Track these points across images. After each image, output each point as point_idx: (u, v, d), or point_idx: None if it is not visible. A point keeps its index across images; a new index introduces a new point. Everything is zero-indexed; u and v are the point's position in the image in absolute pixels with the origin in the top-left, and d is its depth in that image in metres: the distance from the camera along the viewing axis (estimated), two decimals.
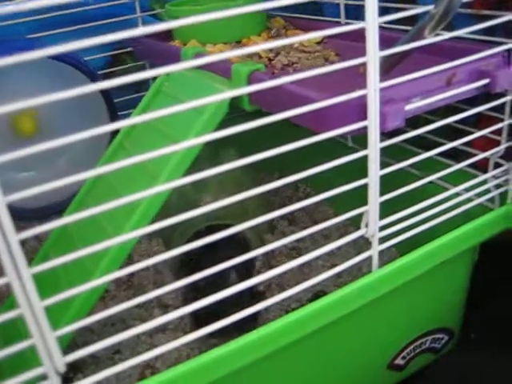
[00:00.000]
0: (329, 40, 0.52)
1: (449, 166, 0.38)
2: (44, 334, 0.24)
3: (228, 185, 0.49)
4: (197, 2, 0.59)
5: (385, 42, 0.29)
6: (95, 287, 0.26)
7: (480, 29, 0.34)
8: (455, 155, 0.43)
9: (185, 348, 0.45)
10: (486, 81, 0.34)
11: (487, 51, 0.35)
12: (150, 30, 0.23)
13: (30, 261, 0.26)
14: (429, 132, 0.34)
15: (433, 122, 0.34)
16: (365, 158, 0.31)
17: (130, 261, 0.55)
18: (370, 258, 0.35)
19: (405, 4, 0.45)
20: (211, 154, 0.46)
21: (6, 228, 0.22)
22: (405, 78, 0.31)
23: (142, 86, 0.67)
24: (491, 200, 0.41)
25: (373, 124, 0.30)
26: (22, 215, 0.59)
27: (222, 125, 0.32)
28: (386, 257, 0.50)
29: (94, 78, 0.54)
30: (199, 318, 0.43)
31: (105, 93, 0.56)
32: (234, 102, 0.37)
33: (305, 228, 0.31)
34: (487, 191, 0.41)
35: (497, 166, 0.41)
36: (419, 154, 0.35)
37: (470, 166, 0.39)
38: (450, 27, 0.33)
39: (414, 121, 0.34)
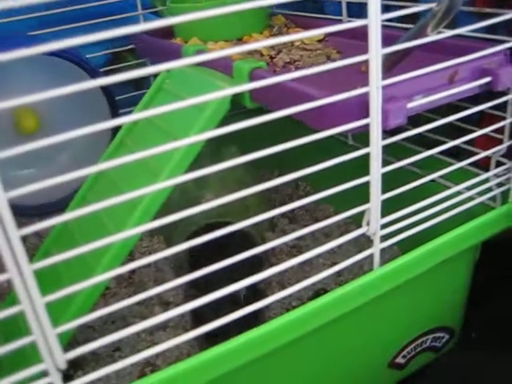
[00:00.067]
0: (330, 38, 0.52)
1: (450, 164, 0.38)
2: (45, 330, 0.24)
3: (229, 182, 0.49)
4: None
5: (387, 40, 0.29)
6: (97, 284, 0.26)
7: (482, 27, 0.34)
8: (457, 154, 0.43)
9: (185, 345, 0.45)
10: (488, 79, 0.34)
11: (489, 49, 0.34)
12: (151, 26, 0.23)
13: (31, 258, 0.26)
14: (430, 130, 0.34)
15: (434, 120, 0.34)
16: (365, 156, 0.31)
17: (131, 258, 0.55)
18: (371, 256, 0.35)
19: (407, 2, 0.45)
20: (213, 151, 0.46)
21: (7, 224, 0.22)
22: (407, 76, 0.31)
23: (143, 83, 0.67)
24: (493, 199, 0.41)
25: (375, 122, 0.30)
26: (23, 212, 0.59)
27: (224, 122, 0.32)
28: (388, 255, 0.50)
29: (95, 76, 0.54)
30: (200, 316, 0.43)
31: (106, 91, 0.56)
32: (236, 99, 0.37)
33: (305, 226, 0.31)
34: (489, 190, 0.40)
35: (499, 164, 0.41)
36: (421, 152, 0.35)
37: (471, 164, 0.39)
38: (452, 25, 0.33)
39: (415, 119, 0.34)
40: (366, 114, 0.30)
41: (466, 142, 0.38)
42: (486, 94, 0.36)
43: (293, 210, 0.63)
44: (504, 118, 0.39)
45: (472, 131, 0.38)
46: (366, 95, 0.29)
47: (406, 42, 0.31)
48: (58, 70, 0.53)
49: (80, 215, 0.24)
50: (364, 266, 0.51)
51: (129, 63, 0.65)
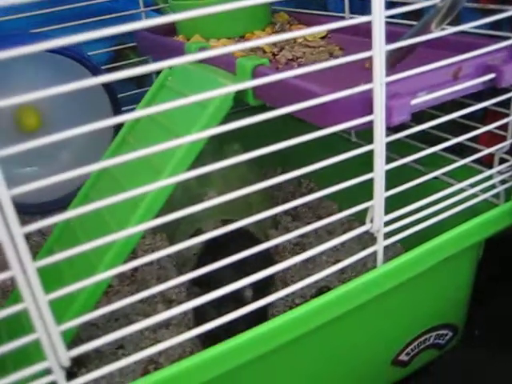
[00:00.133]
0: (333, 35, 0.52)
1: (454, 161, 0.38)
2: (48, 328, 0.24)
3: (232, 180, 0.49)
4: None
5: (390, 37, 0.29)
6: (99, 281, 0.26)
7: (486, 23, 0.33)
8: (460, 151, 0.42)
9: (188, 343, 0.45)
10: (492, 75, 0.34)
11: (493, 46, 0.34)
12: (153, 23, 0.23)
13: (34, 256, 0.26)
14: (434, 127, 0.34)
15: (438, 117, 0.34)
16: (369, 153, 0.31)
17: (134, 255, 0.55)
18: (374, 254, 0.35)
19: None
20: (215, 148, 0.46)
21: (10, 221, 0.22)
22: (411, 72, 0.31)
23: (146, 81, 0.67)
24: (496, 196, 0.41)
25: (379, 118, 0.30)
26: (26, 210, 0.59)
27: (226, 119, 0.32)
28: (391, 252, 0.50)
29: (97, 73, 0.54)
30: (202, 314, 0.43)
31: (108, 88, 0.56)
32: (239, 96, 0.37)
33: (308, 223, 0.31)
34: (492, 187, 0.40)
35: (502, 161, 0.41)
36: (424, 149, 0.35)
37: (475, 161, 0.39)
38: (456, 21, 0.33)
39: (419, 116, 0.33)
40: (370, 111, 0.30)
41: (470, 139, 0.38)
42: (490, 90, 0.35)
43: (296, 208, 0.63)
44: (508, 115, 0.39)
45: (475, 128, 0.38)
46: (369, 92, 0.29)
47: (409, 39, 0.31)
48: (59, 68, 0.53)
49: (82, 213, 0.24)
50: (367, 264, 0.51)
51: (131, 61, 0.65)
